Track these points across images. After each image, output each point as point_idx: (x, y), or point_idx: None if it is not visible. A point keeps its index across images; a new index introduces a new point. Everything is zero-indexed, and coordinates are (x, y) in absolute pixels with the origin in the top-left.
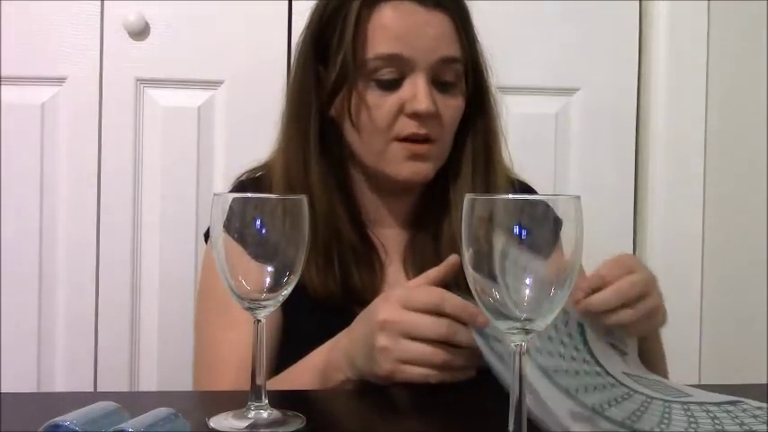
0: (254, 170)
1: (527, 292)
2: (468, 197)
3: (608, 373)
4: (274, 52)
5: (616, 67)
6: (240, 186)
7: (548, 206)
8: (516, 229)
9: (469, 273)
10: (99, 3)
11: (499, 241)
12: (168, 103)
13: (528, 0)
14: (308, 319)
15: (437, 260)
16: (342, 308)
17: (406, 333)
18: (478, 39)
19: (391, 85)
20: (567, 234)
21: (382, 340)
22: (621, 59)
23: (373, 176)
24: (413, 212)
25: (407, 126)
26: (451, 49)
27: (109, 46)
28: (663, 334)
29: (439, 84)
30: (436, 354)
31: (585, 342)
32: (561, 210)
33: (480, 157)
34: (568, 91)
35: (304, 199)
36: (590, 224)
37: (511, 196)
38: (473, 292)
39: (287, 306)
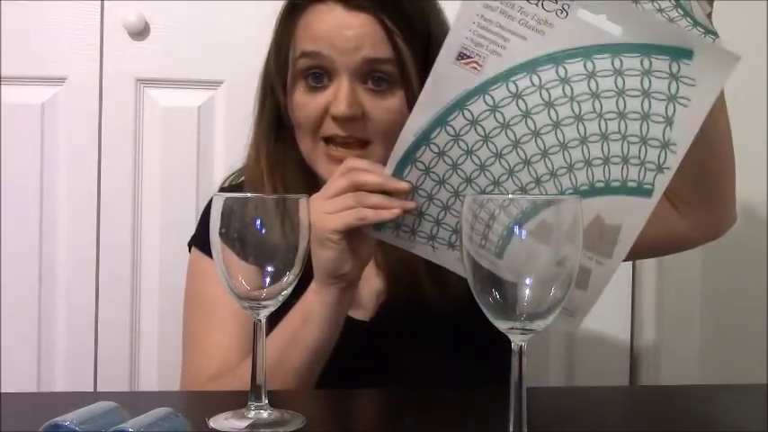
0: (233, 175)
1: (527, 291)
2: (467, 197)
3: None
4: None
5: None
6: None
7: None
8: (516, 229)
9: (470, 273)
10: (99, 3)
11: (499, 240)
12: (168, 103)
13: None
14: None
15: (406, 263)
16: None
17: (326, 196)
18: (434, 29)
19: (318, 84)
20: (567, 234)
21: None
22: None
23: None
24: None
25: (331, 128)
26: (378, 50)
27: (109, 46)
28: (662, 332)
29: (373, 82)
30: (352, 196)
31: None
32: (563, 210)
33: None
34: None
35: (304, 199)
36: None
37: (511, 196)
38: (473, 291)
39: None
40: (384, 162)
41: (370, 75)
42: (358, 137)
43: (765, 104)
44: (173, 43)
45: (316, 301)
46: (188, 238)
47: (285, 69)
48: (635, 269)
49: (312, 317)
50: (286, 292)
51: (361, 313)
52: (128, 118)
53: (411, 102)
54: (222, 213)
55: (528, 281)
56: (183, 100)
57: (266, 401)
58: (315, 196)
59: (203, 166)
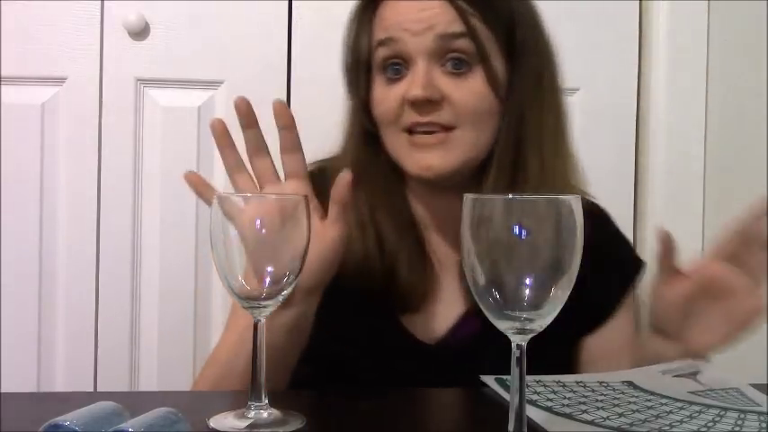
0: (320, 161)
1: (527, 291)
2: (467, 197)
3: (676, 399)
4: (274, 52)
5: (616, 67)
6: (317, 170)
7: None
8: (516, 229)
9: (469, 272)
10: (99, 3)
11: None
12: (168, 103)
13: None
14: (344, 320)
15: None
16: (381, 313)
17: None
18: (524, 18)
19: (396, 75)
20: (567, 234)
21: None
22: (621, 59)
23: (409, 177)
24: None
25: (411, 116)
26: (451, 25)
27: (109, 46)
28: None
29: (451, 65)
30: None
31: (641, 389)
32: (564, 210)
33: (519, 157)
34: (568, 90)
35: (304, 199)
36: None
37: (510, 196)
38: (473, 291)
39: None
40: (470, 148)
41: (447, 56)
42: (440, 122)
43: (765, 104)
44: (173, 43)
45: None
46: (188, 238)
47: (367, 67)
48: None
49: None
50: (286, 292)
51: (430, 336)
52: (128, 118)
53: (492, 81)
54: (222, 214)
55: (528, 281)
56: (183, 100)
57: (266, 401)
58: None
59: (203, 166)
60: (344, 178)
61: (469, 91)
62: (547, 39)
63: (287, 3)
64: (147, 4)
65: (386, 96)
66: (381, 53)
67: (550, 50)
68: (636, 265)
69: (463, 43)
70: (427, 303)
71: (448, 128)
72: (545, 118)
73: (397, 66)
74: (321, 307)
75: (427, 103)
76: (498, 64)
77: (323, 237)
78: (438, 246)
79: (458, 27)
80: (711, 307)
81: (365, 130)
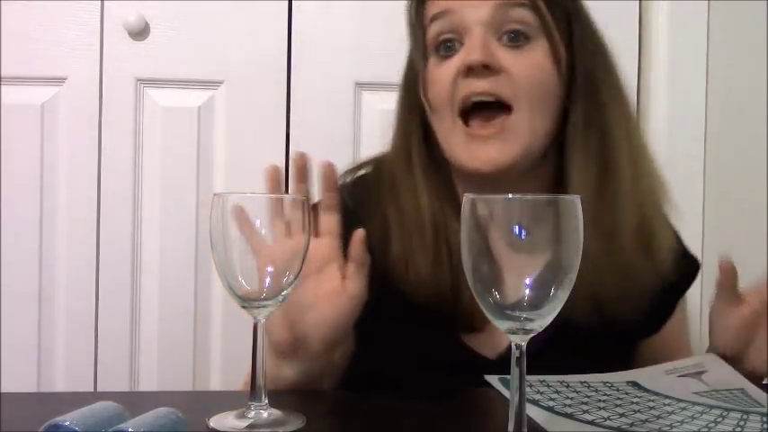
0: (362, 166)
1: (527, 292)
2: (467, 197)
3: (679, 399)
4: (274, 52)
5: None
6: (355, 182)
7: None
8: (516, 229)
9: (470, 273)
10: (99, 3)
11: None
12: (168, 103)
13: None
14: (402, 333)
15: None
16: (440, 328)
17: None
18: (580, 10)
19: (449, 52)
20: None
21: None
22: (621, 59)
23: (461, 174)
24: None
25: (465, 86)
26: None
27: (109, 46)
28: None
29: (507, 38)
30: None
31: (644, 389)
32: (564, 210)
33: (599, 157)
34: None
35: (304, 199)
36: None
37: (510, 196)
38: (473, 291)
39: (377, 312)
40: (530, 135)
41: (505, 28)
42: (497, 93)
43: (765, 104)
44: (173, 43)
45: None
46: (188, 238)
47: (424, 52)
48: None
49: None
50: (286, 292)
51: (491, 350)
52: (128, 118)
53: (555, 53)
54: (223, 213)
55: (528, 281)
56: (183, 100)
57: (266, 401)
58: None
59: (203, 166)
60: (358, 236)
61: (529, 63)
62: (603, 40)
63: (287, 3)
64: (147, 4)
65: (438, 74)
66: (435, 28)
67: (609, 50)
68: (692, 266)
69: (523, 13)
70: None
71: (506, 106)
72: (625, 109)
73: (451, 42)
74: (376, 317)
75: (485, 70)
76: (559, 39)
77: (340, 294)
78: (498, 252)
79: None
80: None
81: (410, 124)
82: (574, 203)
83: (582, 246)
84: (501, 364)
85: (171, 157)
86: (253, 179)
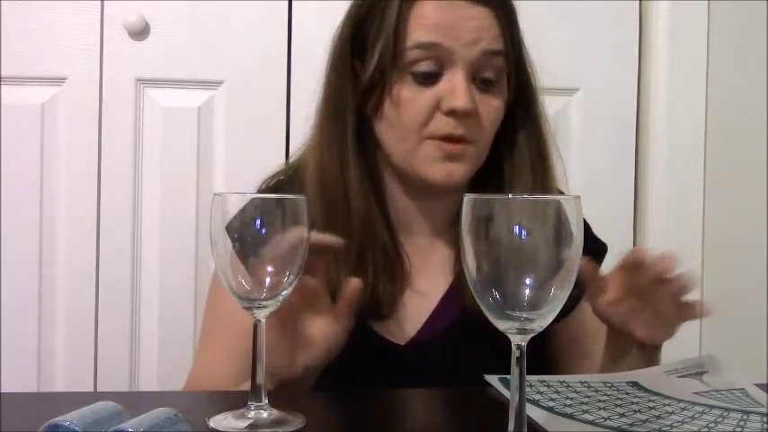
0: (278, 174)
1: (527, 291)
2: (467, 197)
3: (679, 399)
4: (274, 52)
5: (616, 67)
6: (275, 185)
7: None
8: (516, 229)
9: (469, 273)
10: (99, 3)
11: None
12: (168, 103)
13: (528, 0)
14: None
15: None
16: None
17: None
18: (522, 39)
19: (428, 79)
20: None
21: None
22: (621, 59)
23: (405, 179)
24: (447, 216)
25: (444, 125)
26: (494, 43)
27: (109, 46)
28: None
29: (479, 81)
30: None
31: (645, 390)
32: (564, 210)
33: (537, 165)
34: (568, 91)
35: (304, 199)
36: (590, 224)
37: (510, 196)
38: (473, 291)
39: None
40: (480, 158)
41: (480, 73)
42: (470, 135)
43: (765, 104)
44: (173, 43)
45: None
46: (188, 238)
47: (383, 61)
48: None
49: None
50: (286, 292)
51: (400, 337)
52: (128, 118)
53: (505, 97)
54: (223, 213)
55: (528, 281)
56: (183, 100)
57: (266, 401)
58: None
59: (203, 166)
60: (355, 285)
61: (492, 108)
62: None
63: (287, 3)
64: (147, 3)
65: (415, 100)
66: (417, 55)
67: (530, 59)
68: (598, 248)
69: (499, 61)
70: (395, 305)
71: (469, 140)
72: (545, 126)
73: (432, 73)
74: None
75: (466, 116)
76: (511, 83)
77: (331, 326)
78: (413, 244)
79: (498, 45)
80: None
81: (346, 128)
82: (574, 203)
83: (582, 245)
84: (410, 352)
85: (171, 157)
86: (253, 179)
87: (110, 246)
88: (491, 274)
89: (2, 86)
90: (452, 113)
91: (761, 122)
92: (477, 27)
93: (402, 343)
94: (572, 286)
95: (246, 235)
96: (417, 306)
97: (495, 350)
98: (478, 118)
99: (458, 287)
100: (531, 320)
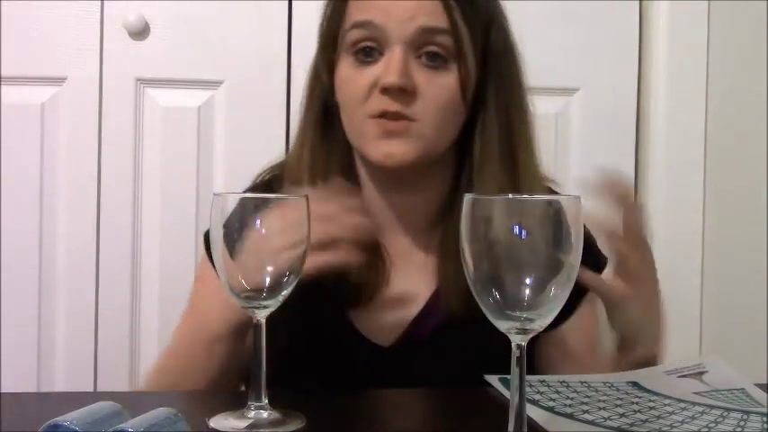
0: (273, 168)
1: (527, 292)
2: (467, 197)
3: (680, 399)
4: (274, 52)
5: (616, 67)
6: (258, 187)
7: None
8: (516, 229)
9: (470, 273)
10: (99, 3)
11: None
12: (168, 103)
13: (528, 0)
14: (297, 326)
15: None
16: (335, 318)
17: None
18: (500, 23)
19: (367, 58)
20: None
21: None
22: (621, 59)
23: (369, 168)
24: (428, 212)
25: (380, 103)
26: (434, 19)
27: (109, 46)
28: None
29: (426, 58)
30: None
31: (645, 390)
32: (564, 210)
33: (505, 154)
34: (568, 91)
35: (304, 199)
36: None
37: (511, 196)
38: (473, 291)
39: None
40: (431, 141)
41: (425, 48)
42: (406, 114)
43: (765, 104)
44: (173, 43)
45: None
46: (188, 238)
47: (333, 48)
48: None
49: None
50: (286, 292)
51: (383, 339)
52: (128, 118)
53: (465, 80)
54: (223, 213)
55: (528, 281)
56: (183, 100)
57: (266, 401)
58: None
59: (203, 166)
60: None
61: (441, 87)
62: (514, 41)
63: (287, 3)
64: (147, 3)
65: (354, 78)
66: (355, 35)
67: (518, 51)
68: (599, 260)
69: (443, 39)
70: (378, 304)
71: (410, 118)
72: (525, 116)
73: (370, 50)
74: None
75: (400, 92)
76: (472, 64)
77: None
78: (390, 244)
79: (441, 22)
80: None
81: (324, 117)
82: (574, 203)
83: (582, 246)
84: (394, 354)
85: (171, 157)
86: (253, 179)
87: (110, 246)
88: (491, 274)
89: (2, 86)
90: (386, 91)
91: (761, 122)
92: (413, 5)
93: (386, 345)
94: (572, 286)
95: (246, 235)
96: (400, 310)
97: (479, 356)
98: (419, 95)
99: (443, 293)
100: (531, 320)
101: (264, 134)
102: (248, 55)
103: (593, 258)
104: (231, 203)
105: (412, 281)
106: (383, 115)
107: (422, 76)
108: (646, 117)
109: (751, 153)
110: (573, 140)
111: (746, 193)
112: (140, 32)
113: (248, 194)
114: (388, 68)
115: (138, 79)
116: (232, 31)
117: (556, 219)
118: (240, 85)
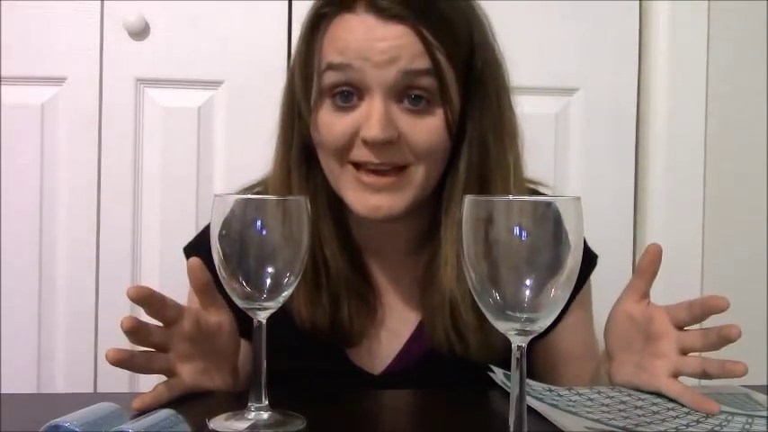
0: (252, 186)
1: (527, 292)
2: (467, 198)
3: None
4: (274, 52)
5: (616, 67)
6: None
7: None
8: (516, 230)
9: (469, 274)
10: (99, 3)
11: (499, 242)
12: (168, 103)
13: (528, 0)
14: (291, 352)
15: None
16: (327, 346)
17: None
18: (480, 41)
19: (346, 103)
20: (567, 234)
21: None
22: (621, 59)
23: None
24: (412, 239)
25: (361, 153)
26: (415, 60)
27: (109, 46)
28: None
29: (409, 101)
30: None
31: (648, 392)
32: (564, 211)
33: (483, 174)
34: (568, 91)
35: (304, 200)
36: (590, 224)
37: (511, 197)
38: (473, 292)
39: (273, 333)
40: (421, 186)
41: (407, 92)
42: (394, 163)
43: (765, 104)
44: (173, 43)
45: None
46: (188, 238)
47: (309, 87)
48: (634, 269)
49: None
50: (286, 293)
51: (374, 367)
52: (128, 118)
53: (450, 120)
54: (222, 214)
55: (528, 281)
56: (183, 100)
57: (266, 402)
58: None
59: (203, 166)
60: (192, 265)
61: (427, 130)
62: (498, 52)
63: (287, 3)
64: (147, 4)
65: (333, 125)
66: (332, 78)
67: (502, 64)
68: (588, 258)
69: (427, 81)
70: (369, 334)
71: (401, 168)
72: (508, 141)
73: (348, 93)
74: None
75: (383, 144)
76: (456, 100)
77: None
78: (377, 272)
79: (423, 63)
80: (640, 346)
81: (307, 153)
82: (574, 203)
83: (582, 246)
84: (385, 382)
85: (171, 157)
86: (253, 179)
87: (110, 246)
88: (491, 275)
89: (2, 86)
90: (367, 144)
91: (761, 122)
92: (391, 47)
93: (376, 374)
94: (572, 287)
95: (246, 236)
96: (388, 339)
97: (465, 384)
98: (405, 141)
99: (427, 325)
100: (531, 321)
101: (264, 134)
102: (248, 55)
103: (585, 257)
104: (231, 204)
105: (399, 312)
106: (364, 166)
107: (405, 121)
108: (646, 117)
109: (751, 153)
110: (573, 140)
111: (746, 193)
112: (140, 32)
113: (248, 196)
114: (369, 121)
115: (138, 79)
116: (232, 31)
117: (556, 219)
118: (240, 85)
